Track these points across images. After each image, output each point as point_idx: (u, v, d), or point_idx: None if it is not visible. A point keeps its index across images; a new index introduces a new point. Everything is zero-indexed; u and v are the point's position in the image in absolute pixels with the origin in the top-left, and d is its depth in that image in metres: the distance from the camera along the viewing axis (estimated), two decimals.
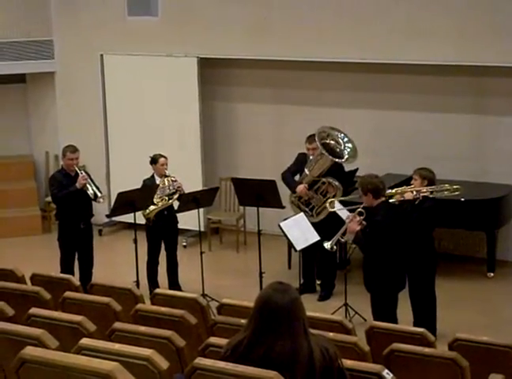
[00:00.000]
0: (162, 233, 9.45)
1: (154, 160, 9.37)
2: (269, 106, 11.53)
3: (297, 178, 9.54)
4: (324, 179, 9.25)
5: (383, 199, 7.47)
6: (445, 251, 10.18)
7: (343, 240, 7.97)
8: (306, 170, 9.31)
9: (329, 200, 8.81)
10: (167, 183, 9.32)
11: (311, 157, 9.29)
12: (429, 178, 8.12)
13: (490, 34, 9.78)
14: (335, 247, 8.00)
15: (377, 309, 7.53)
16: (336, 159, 9.14)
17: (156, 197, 9.23)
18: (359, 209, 7.56)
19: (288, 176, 9.52)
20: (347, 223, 7.66)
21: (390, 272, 7.42)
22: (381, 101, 10.81)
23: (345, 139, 9.29)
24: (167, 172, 9.35)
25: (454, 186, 8.41)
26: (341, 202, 8.75)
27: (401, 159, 10.56)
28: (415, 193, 8.07)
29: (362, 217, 7.48)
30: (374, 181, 7.45)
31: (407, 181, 8.65)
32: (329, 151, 9.18)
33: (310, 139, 9.26)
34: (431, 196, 8.10)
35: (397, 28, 10.22)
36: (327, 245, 7.94)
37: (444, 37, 9.97)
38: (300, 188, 9.32)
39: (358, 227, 7.45)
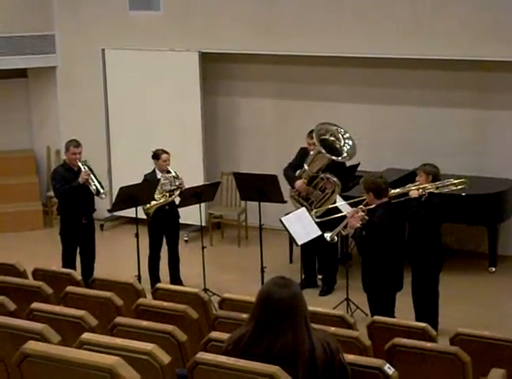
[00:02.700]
0: (163, 228, 9.44)
1: (156, 156, 9.34)
2: (271, 100, 11.51)
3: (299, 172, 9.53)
4: (322, 175, 9.22)
5: (385, 199, 7.42)
6: (446, 246, 10.14)
7: (344, 233, 7.99)
8: (305, 166, 9.29)
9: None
10: (168, 179, 9.30)
11: (311, 152, 9.28)
12: (433, 173, 8.05)
13: (492, 28, 9.76)
14: (335, 238, 8.02)
15: (374, 310, 7.50)
16: (334, 157, 9.09)
17: (157, 192, 9.23)
18: (361, 206, 7.55)
19: (289, 171, 9.48)
20: (348, 218, 7.67)
21: (388, 273, 7.39)
22: (383, 96, 10.79)
23: (346, 135, 9.25)
24: (169, 168, 9.34)
25: (460, 180, 8.36)
26: (342, 197, 8.75)
27: (403, 153, 10.55)
28: (420, 190, 8.02)
29: (363, 213, 7.46)
30: (378, 181, 7.41)
31: (408, 176, 8.63)
32: (327, 147, 9.13)
33: (311, 134, 9.24)
34: (436, 191, 8.04)
35: (399, 22, 10.21)
36: (328, 236, 7.97)
37: (447, 32, 9.96)
38: (299, 183, 9.29)
39: (358, 224, 7.44)
